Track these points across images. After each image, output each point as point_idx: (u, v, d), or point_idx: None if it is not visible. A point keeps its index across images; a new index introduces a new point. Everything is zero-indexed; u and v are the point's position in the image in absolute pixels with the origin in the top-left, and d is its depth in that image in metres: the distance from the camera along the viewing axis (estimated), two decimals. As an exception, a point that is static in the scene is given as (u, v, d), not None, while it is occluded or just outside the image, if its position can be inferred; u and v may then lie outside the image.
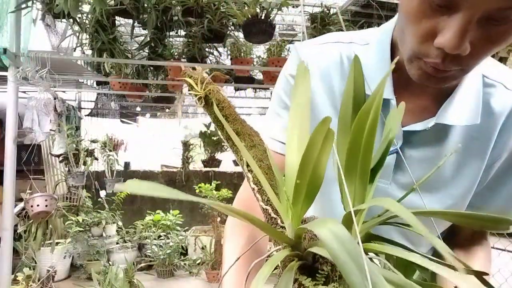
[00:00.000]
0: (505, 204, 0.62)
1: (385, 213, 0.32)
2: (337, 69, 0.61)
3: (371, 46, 0.60)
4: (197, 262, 4.11)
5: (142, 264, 4.29)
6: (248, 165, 0.40)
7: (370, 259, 0.30)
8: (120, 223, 4.77)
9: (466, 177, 0.59)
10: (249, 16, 2.44)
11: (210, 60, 3.03)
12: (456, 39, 0.42)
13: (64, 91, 4.33)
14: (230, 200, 3.42)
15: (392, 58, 0.56)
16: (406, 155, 0.57)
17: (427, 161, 0.57)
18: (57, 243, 3.76)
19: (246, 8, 2.47)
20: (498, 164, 0.59)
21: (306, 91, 0.37)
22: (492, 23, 0.42)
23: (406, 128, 0.56)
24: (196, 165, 6.15)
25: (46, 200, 2.66)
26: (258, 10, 2.42)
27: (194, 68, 0.44)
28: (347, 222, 0.30)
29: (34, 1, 2.18)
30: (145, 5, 2.39)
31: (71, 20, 2.45)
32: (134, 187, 0.28)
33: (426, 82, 0.49)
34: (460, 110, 0.54)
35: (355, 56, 0.34)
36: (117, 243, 4.58)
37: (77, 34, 2.56)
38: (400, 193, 0.58)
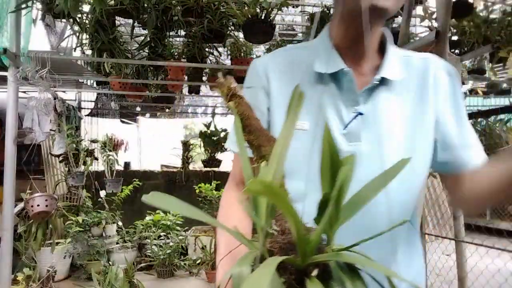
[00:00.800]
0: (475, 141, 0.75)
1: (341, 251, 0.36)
2: (287, 66, 0.76)
3: (315, 44, 0.78)
4: (197, 262, 4.11)
5: (142, 264, 4.29)
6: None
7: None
8: (120, 223, 4.77)
9: (422, 127, 0.73)
10: (249, 16, 2.44)
11: (210, 60, 3.03)
12: None
13: (64, 91, 4.33)
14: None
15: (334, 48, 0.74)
16: (367, 115, 0.71)
17: (383, 116, 0.71)
18: (57, 243, 3.76)
19: (246, 8, 2.47)
20: (446, 108, 0.74)
21: (291, 125, 0.41)
22: None
23: (359, 95, 0.71)
24: (196, 165, 6.15)
25: (46, 200, 2.66)
26: (258, 10, 2.42)
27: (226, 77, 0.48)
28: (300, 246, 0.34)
29: (34, 1, 2.18)
30: (145, 5, 2.39)
31: (71, 20, 2.45)
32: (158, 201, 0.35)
33: (376, 12, 0.64)
34: (392, 70, 0.71)
35: (325, 126, 0.39)
36: (117, 243, 4.58)
37: (77, 34, 2.56)
38: (371, 147, 0.70)
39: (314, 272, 0.35)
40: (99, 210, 4.53)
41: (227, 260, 0.64)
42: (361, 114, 0.70)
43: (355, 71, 0.71)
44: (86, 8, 2.55)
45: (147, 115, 6.41)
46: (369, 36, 0.69)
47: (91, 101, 5.46)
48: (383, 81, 0.71)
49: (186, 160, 5.48)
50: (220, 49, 3.13)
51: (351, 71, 0.70)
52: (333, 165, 0.37)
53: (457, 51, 2.81)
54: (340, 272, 0.34)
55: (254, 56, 3.28)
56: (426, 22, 2.64)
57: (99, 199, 4.70)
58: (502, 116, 2.29)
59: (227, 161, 5.13)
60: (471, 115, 2.07)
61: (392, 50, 0.74)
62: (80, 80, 3.95)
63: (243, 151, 0.43)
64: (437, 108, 0.73)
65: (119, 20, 2.67)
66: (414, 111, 0.73)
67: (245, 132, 0.47)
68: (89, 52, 2.71)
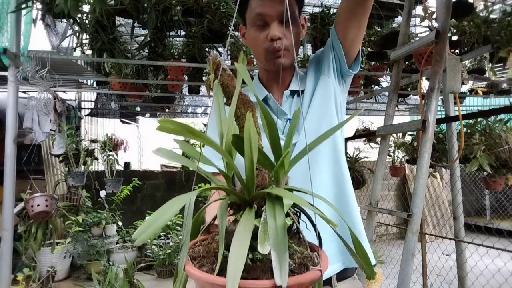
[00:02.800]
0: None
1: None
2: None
3: (253, 83, 1.13)
4: (197, 262, 4.11)
5: (142, 264, 4.29)
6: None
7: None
8: (120, 223, 4.77)
9: (323, 111, 1.05)
10: (249, 16, 2.44)
11: (210, 60, 3.02)
12: (274, 31, 0.99)
13: (64, 91, 4.33)
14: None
15: (262, 84, 1.14)
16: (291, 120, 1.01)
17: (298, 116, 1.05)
18: (57, 243, 3.76)
19: (246, 8, 2.46)
20: (323, 58, 1.11)
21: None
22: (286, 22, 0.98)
23: (282, 107, 1.06)
24: (196, 165, 6.13)
25: (46, 200, 2.66)
26: (258, 10, 2.41)
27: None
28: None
29: (34, 1, 2.18)
30: (145, 5, 2.39)
31: (71, 20, 2.45)
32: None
33: (278, 61, 1.02)
34: (296, 84, 1.09)
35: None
36: (117, 243, 4.58)
37: (77, 34, 2.55)
38: (302, 138, 1.01)
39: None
40: (99, 210, 4.53)
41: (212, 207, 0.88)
42: (290, 119, 1.03)
43: (278, 92, 1.09)
44: (86, 8, 2.55)
45: (147, 115, 6.40)
46: (280, 73, 1.08)
47: (91, 101, 5.46)
48: (296, 93, 1.09)
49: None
50: (220, 49, 3.13)
51: (272, 95, 1.08)
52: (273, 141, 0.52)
53: (457, 51, 2.80)
54: (268, 200, 0.46)
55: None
56: (426, 22, 2.63)
57: (99, 199, 4.70)
58: (502, 116, 2.29)
59: (227, 161, 5.12)
60: (471, 115, 2.07)
61: (297, 72, 1.14)
62: (80, 80, 3.95)
63: (217, 113, 0.58)
64: (324, 70, 1.09)
65: (119, 20, 2.67)
66: (322, 98, 1.06)
67: (226, 97, 0.59)
68: (89, 52, 2.71)
